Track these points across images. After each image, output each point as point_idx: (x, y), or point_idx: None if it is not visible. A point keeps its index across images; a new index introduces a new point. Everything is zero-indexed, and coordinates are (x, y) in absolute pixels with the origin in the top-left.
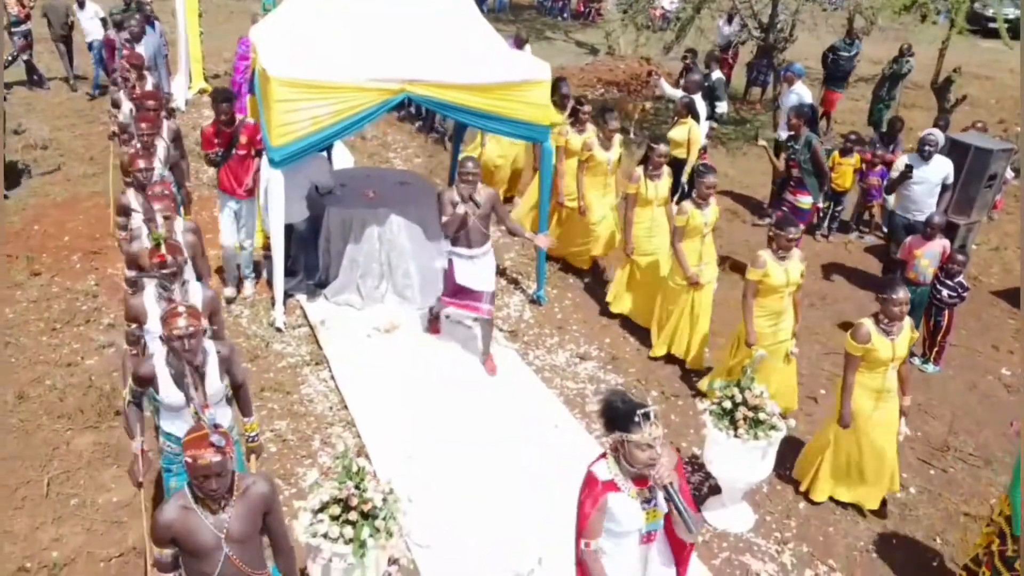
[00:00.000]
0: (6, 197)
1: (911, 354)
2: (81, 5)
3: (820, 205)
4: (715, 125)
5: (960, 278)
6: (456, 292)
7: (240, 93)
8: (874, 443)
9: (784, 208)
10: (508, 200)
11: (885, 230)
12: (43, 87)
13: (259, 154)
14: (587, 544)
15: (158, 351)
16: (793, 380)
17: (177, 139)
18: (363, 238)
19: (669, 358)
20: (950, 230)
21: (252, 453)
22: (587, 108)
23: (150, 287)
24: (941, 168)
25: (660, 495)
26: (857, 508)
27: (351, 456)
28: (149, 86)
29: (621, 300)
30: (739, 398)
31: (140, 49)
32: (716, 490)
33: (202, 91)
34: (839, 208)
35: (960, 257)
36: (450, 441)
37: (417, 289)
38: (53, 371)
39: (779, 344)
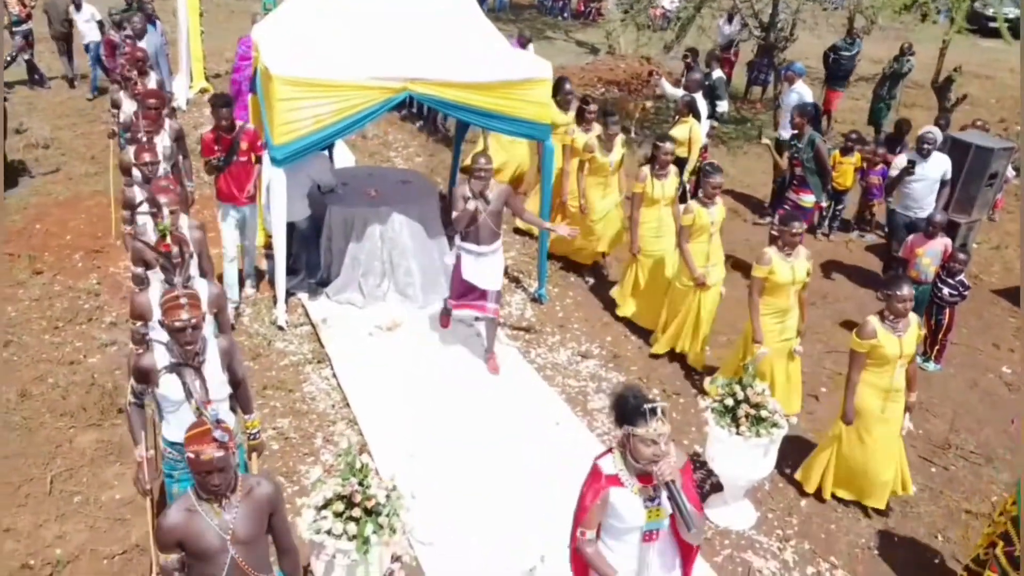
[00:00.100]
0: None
1: None
2: (78, 7)
3: (823, 204)
4: (716, 124)
5: (961, 277)
6: (462, 293)
7: (241, 92)
8: (881, 442)
9: (786, 206)
10: None
11: (886, 229)
12: (44, 86)
13: (259, 160)
14: (583, 533)
15: (159, 345)
16: (798, 381)
17: (180, 138)
18: (365, 236)
19: (671, 356)
20: (951, 229)
21: (254, 451)
22: (593, 107)
23: (155, 284)
24: (940, 165)
25: (664, 494)
26: (859, 505)
27: (354, 453)
28: (152, 84)
29: (626, 304)
30: (741, 396)
31: (142, 45)
32: (718, 488)
33: (203, 90)
34: (840, 207)
35: (961, 256)
36: (452, 439)
37: (419, 287)
38: (56, 369)
39: (784, 342)
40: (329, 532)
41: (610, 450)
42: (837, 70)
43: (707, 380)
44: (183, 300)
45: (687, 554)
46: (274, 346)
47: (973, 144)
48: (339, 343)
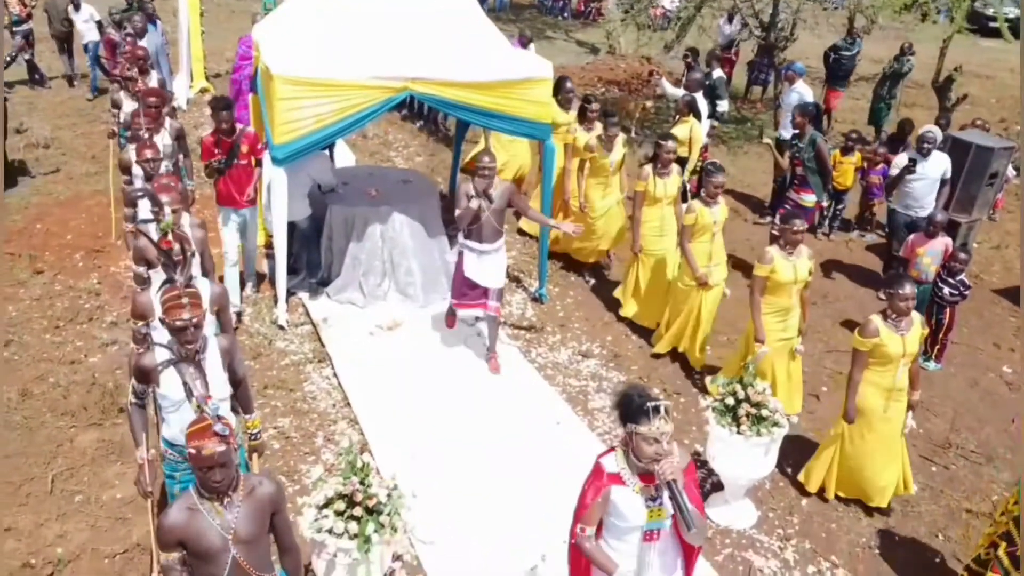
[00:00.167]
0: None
1: None
2: (76, 7)
3: (823, 203)
4: (716, 124)
5: (962, 276)
6: (463, 292)
7: (241, 92)
8: (884, 441)
9: (787, 206)
10: None
11: (886, 229)
12: (44, 86)
13: (259, 163)
14: (583, 530)
15: (160, 347)
16: (799, 380)
17: (180, 137)
18: (365, 236)
19: (671, 356)
20: (951, 228)
21: (255, 452)
22: (595, 106)
23: (157, 283)
24: (940, 164)
25: (665, 494)
26: (860, 504)
27: (355, 452)
28: (154, 82)
29: (628, 304)
30: (741, 395)
31: (143, 43)
32: (718, 487)
33: (203, 90)
34: (840, 207)
35: (962, 255)
36: (453, 438)
37: (419, 287)
38: (57, 368)
39: (786, 341)
40: (330, 531)
41: (613, 448)
42: (838, 70)
43: (708, 379)
44: (184, 299)
45: (689, 556)
46: (275, 345)
47: (974, 143)
48: (340, 342)
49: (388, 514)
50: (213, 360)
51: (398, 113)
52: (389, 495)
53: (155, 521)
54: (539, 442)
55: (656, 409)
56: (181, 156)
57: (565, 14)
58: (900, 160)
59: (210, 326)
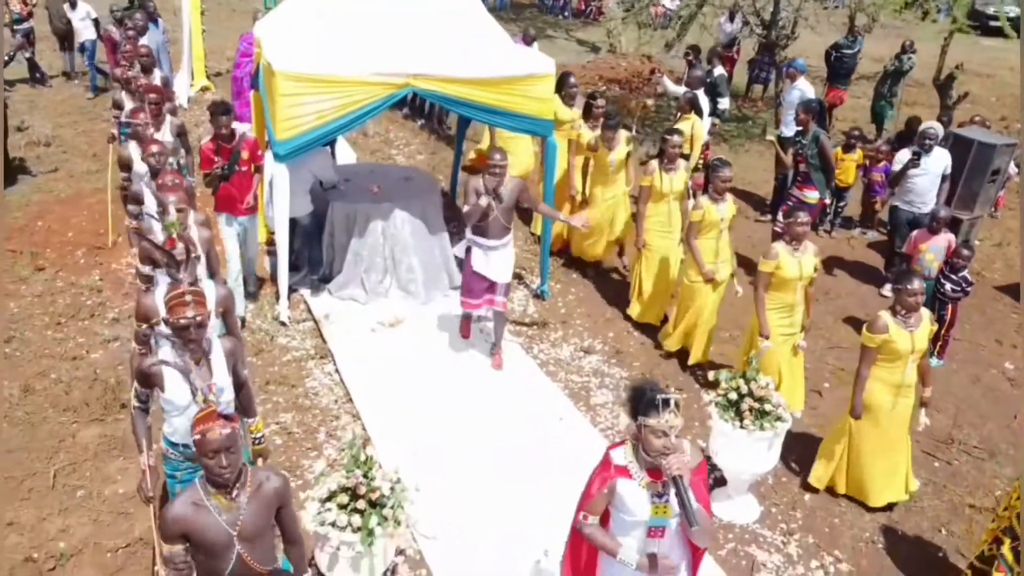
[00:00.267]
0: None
1: None
2: (73, 5)
3: (826, 201)
4: (717, 121)
5: (964, 272)
6: (471, 289)
7: (242, 89)
8: (890, 438)
9: (789, 203)
10: None
11: (889, 227)
12: (45, 85)
13: (258, 170)
14: (585, 517)
15: (164, 349)
16: (800, 377)
17: (182, 134)
18: (367, 233)
19: (676, 352)
20: (953, 225)
21: (259, 456)
22: (600, 103)
23: (162, 286)
24: (941, 159)
25: (672, 491)
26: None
27: (359, 445)
28: (157, 80)
29: (633, 304)
30: (745, 389)
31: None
32: (722, 482)
33: (204, 88)
34: (842, 204)
35: (965, 252)
36: (455, 434)
37: (421, 284)
38: (58, 365)
39: (789, 337)
40: (334, 524)
41: (623, 442)
42: (839, 68)
43: (711, 373)
44: (188, 297)
45: (695, 557)
46: (276, 342)
47: (976, 140)
48: (342, 339)
49: (391, 507)
50: (218, 362)
51: (399, 112)
52: (392, 488)
53: (157, 521)
54: (541, 438)
55: (666, 402)
56: (183, 152)
57: (566, 13)
58: (902, 156)
59: (214, 330)
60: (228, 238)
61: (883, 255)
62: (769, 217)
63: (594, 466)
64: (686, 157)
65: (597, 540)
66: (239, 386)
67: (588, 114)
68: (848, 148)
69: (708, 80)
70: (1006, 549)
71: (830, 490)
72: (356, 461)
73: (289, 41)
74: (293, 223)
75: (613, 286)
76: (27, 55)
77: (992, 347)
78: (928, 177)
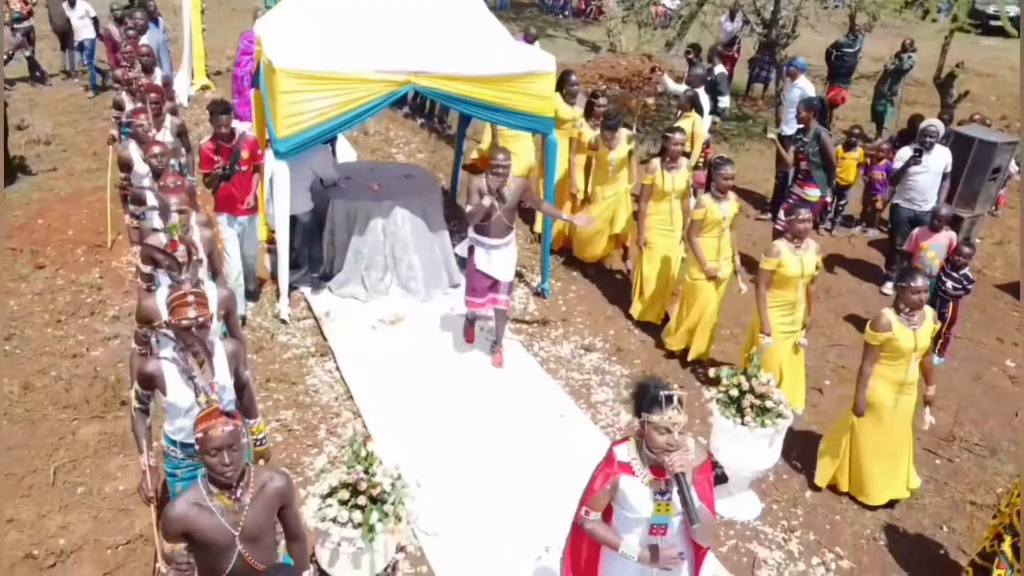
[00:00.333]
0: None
1: None
2: (72, 4)
3: (827, 199)
4: (717, 120)
5: (966, 270)
6: (476, 288)
7: (242, 88)
8: (892, 436)
9: (790, 201)
10: None
11: (889, 225)
12: (45, 84)
13: (257, 170)
14: (587, 513)
15: (166, 351)
16: (801, 376)
17: (182, 133)
18: (367, 230)
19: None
20: (954, 223)
21: (260, 458)
22: (603, 101)
23: (163, 285)
24: (942, 157)
25: (674, 489)
26: None
27: (359, 441)
28: (158, 78)
29: (635, 304)
30: (746, 386)
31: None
32: (723, 479)
33: (204, 87)
34: (842, 202)
35: (966, 249)
36: (456, 431)
37: (421, 281)
38: (59, 362)
39: (791, 335)
40: (334, 520)
41: (627, 438)
42: (840, 67)
43: (712, 371)
44: (190, 298)
45: (697, 557)
46: (277, 339)
47: (977, 138)
48: (342, 337)
49: (392, 503)
50: (220, 364)
51: (399, 111)
52: (393, 485)
53: (158, 522)
54: (542, 435)
55: (669, 398)
56: (183, 152)
57: (566, 12)
58: (904, 153)
59: (215, 333)
60: (228, 239)
61: (884, 253)
62: (769, 216)
63: (595, 463)
64: (687, 155)
65: (599, 535)
66: (240, 387)
67: (590, 113)
68: (849, 146)
69: (709, 78)
70: (1007, 546)
71: (832, 488)
72: (357, 457)
73: (290, 38)
74: (293, 221)
75: (614, 284)
76: (27, 54)
77: (993, 345)
78: (929, 175)
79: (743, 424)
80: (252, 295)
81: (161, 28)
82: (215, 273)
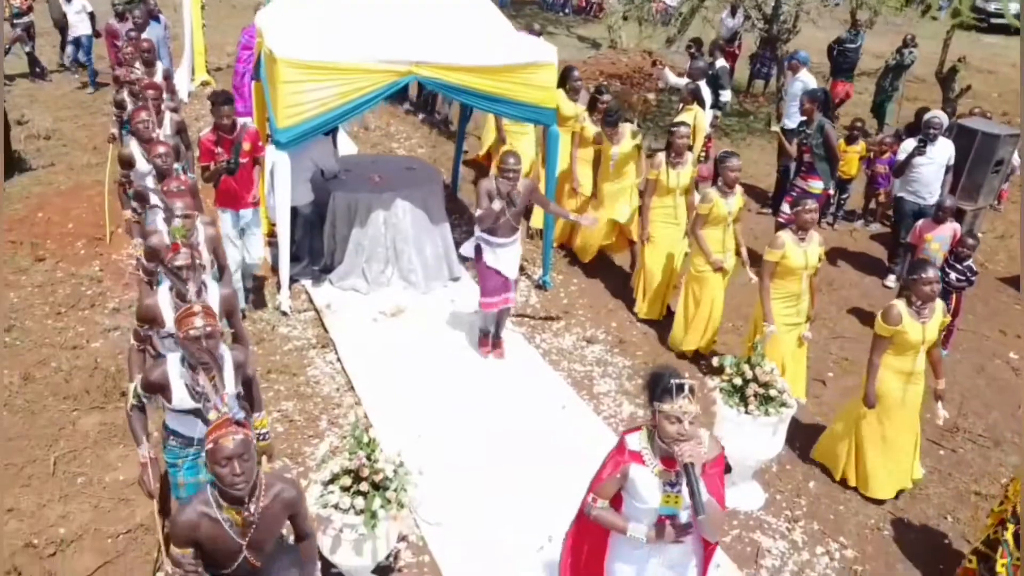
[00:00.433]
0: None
1: None
2: None
3: (831, 191)
4: (719, 114)
5: (969, 262)
6: (490, 288)
7: (243, 81)
8: (899, 426)
9: (794, 194)
10: None
11: (892, 218)
12: (45, 79)
13: (257, 162)
14: (595, 500)
15: (171, 358)
16: (803, 368)
17: (181, 131)
18: (368, 222)
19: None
20: (957, 216)
21: (263, 454)
22: (606, 97)
23: (164, 286)
24: (946, 150)
25: (684, 481)
26: None
27: (361, 427)
28: (159, 73)
29: (639, 305)
30: (749, 375)
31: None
32: (727, 469)
33: (204, 83)
34: (844, 196)
35: (970, 241)
36: (457, 422)
37: (422, 274)
38: (59, 353)
39: (794, 327)
40: (336, 506)
41: (639, 427)
42: (843, 62)
43: (715, 359)
44: (197, 308)
45: (705, 551)
46: (278, 331)
47: (979, 131)
48: (343, 328)
49: (394, 490)
50: (228, 375)
51: (400, 106)
52: (395, 471)
53: (163, 520)
54: (544, 426)
55: (680, 387)
56: (183, 149)
57: (566, 9)
58: (908, 145)
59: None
60: (228, 237)
61: (886, 246)
62: (770, 210)
63: (596, 454)
64: (690, 148)
65: (606, 520)
66: (247, 382)
67: (593, 108)
68: (851, 140)
69: (710, 72)
70: (1009, 535)
71: (838, 480)
72: (359, 443)
73: (291, 28)
74: (294, 213)
75: (615, 277)
76: (27, 49)
77: (996, 337)
78: (933, 167)
79: (746, 413)
80: (250, 292)
81: (163, 25)
82: (221, 269)
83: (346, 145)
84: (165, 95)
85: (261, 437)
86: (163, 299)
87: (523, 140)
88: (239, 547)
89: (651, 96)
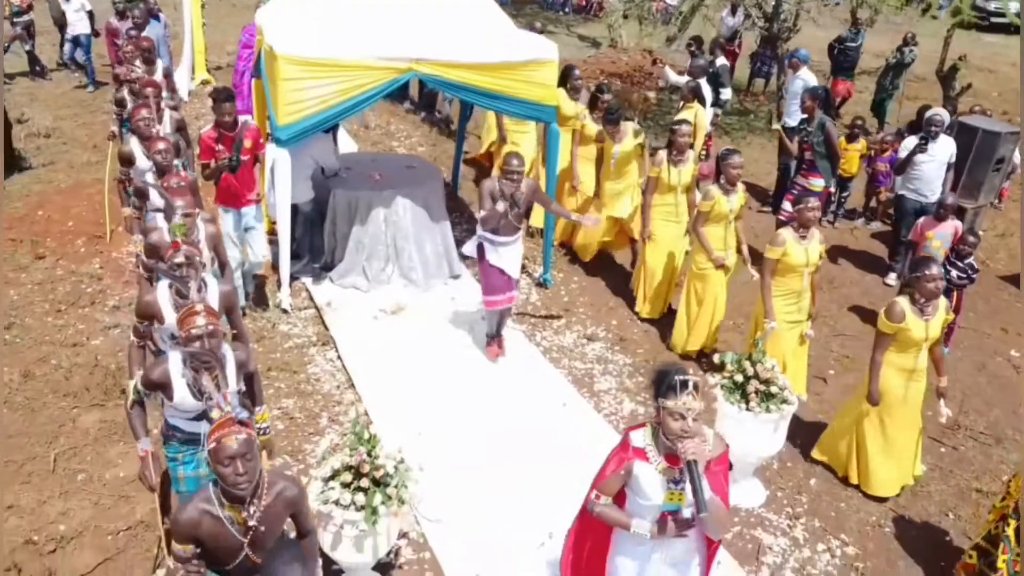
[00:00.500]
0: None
1: None
2: None
3: (832, 189)
4: (719, 112)
5: (970, 260)
6: (494, 287)
7: (243, 80)
8: (900, 423)
9: (795, 192)
10: None
11: (893, 216)
12: (45, 78)
13: (258, 159)
14: (598, 496)
15: (172, 357)
16: (804, 366)
17: (181, 128)
18: (369, 220)
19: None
20: (958, 214)
21: (265, 449)
22: (607, 96)
23: (163, 283)
24: (947, 147)
25: (687, 478)
26: None
27: (362, 424)
28: (159, 71)
29: (642, 305)
30: (750, 371)
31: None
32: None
33: (204, 82)
34: (845, 194)
35: (971, 238)
36: (458, 420)
37: (422, 271)
38: (59, 351)
39: (795, 324)
40: (337, 502)
41: (644, 424)
42: (843, 61)
43: (716, 355)
44: (198, 307)
45: (709, 550)
46: (278, 329)
47: (980, 128)
48: (344, 326)
49: (395, 486)
50: (230, 373)
51: (401, 105)
52: (396, 467)
53: (164, 517)
54: (545, 423)
55: (684, 384)
56: (183, 146)
57: (566, 9)
58: (909, 142)
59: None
60: (228, 235)
61: (887, 244)
62: (771, 208)
63: (597, 451)
64: (691, 146)
65: (609, 516)
66: (248, 377)
67: (594, 107)
68: (852, 138)
69: (710, 69)
70: (1011, 531)
71: (840, 477)
72: (360, 439)
73: (291, 26)
74: (295, 210)
75: (616, 275)
76: (27, 48)
77: (997, 335)
78: (934, 164)
79: (747, 410)
80: (250, 294)
81: (163, 23)
82: (222, 266)
83: (347, 143)
84: (165, 93)
85: (262, 432)
86: (162, 295)
87: (524, 139)
88: (240, 545)
89: (651, 95)
